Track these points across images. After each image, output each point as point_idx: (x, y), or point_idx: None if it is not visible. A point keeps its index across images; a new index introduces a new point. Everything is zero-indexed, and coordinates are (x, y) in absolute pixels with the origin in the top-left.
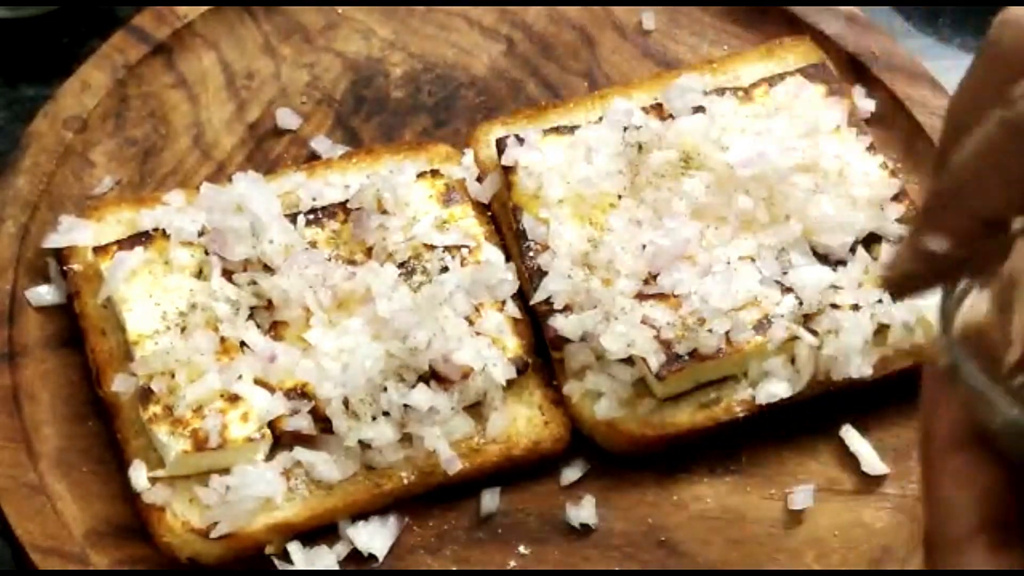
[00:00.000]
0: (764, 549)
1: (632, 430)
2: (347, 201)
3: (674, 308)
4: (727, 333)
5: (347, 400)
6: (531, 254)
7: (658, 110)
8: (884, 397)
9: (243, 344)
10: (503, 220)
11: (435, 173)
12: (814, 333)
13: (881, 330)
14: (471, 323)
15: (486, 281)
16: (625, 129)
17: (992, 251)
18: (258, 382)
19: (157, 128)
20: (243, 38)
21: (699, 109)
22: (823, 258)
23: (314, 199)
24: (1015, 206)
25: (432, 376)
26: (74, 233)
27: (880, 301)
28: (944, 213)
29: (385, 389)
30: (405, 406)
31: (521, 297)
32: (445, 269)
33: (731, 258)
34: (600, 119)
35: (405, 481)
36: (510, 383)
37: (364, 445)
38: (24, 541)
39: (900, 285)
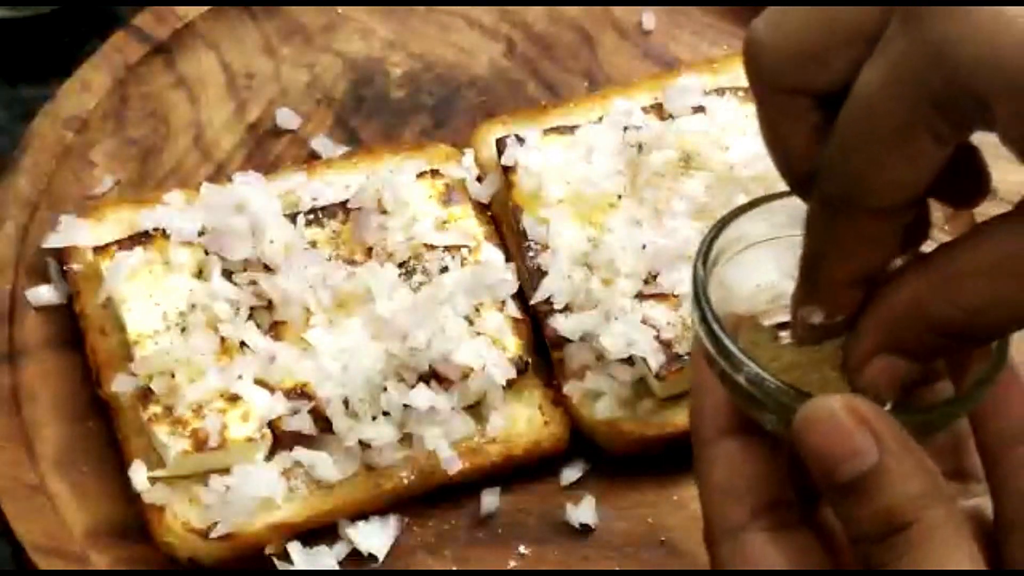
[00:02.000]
0: None
1: (632, 430)
2: (347, 201)
3: (674, 308)
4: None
5: (347, 400)
6: (531, 254)
7: (658, 110)
8: None
9: (243, 344)
10: (503, 220)
11: (435, 173)
12: None
13: None
14: (471, 323)
15: (486, 281)
16: (625, 129)
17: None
18: (258, 382)
19: (157, 128)
20: (243, 38)
21: (699, 109)
22: None
23: (314, 199)
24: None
25: (432, 376)
26: (74, 233)
27: None
28: (817, 287)
29: (385, 389)
30: (405, 406)
31: (521, 297)
32: (445, 269)
33: None
34: (600, 119)
35: (405, 481)
36: (510, 383)
37: (364, 445)
38: (24, 541)
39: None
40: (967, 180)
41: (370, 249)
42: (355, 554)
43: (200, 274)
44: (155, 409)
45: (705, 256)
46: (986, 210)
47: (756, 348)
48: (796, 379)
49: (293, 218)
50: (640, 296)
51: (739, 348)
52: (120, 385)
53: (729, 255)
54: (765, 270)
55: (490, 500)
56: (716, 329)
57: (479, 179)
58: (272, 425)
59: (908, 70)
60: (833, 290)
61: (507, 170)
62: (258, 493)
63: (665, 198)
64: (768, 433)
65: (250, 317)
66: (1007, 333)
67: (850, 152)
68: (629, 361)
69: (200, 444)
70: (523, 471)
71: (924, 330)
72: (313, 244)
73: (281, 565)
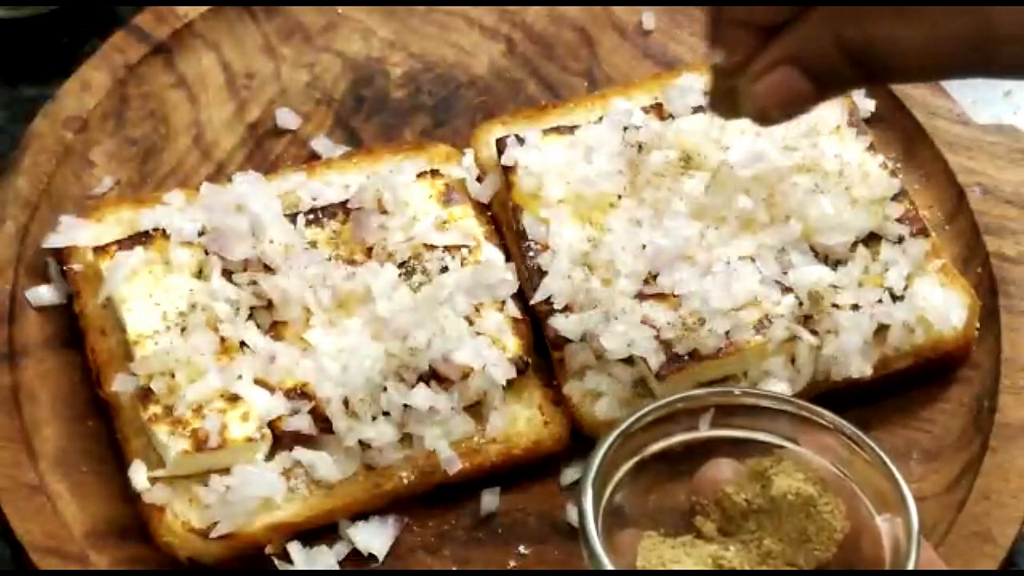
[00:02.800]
0: None
1: None
2: (347, 201)
3: (674, 308)
4: (727, 333)
5: (347, 400)
6: (531, 254)
7: (658, 110)
8: (884, 397)
9: (243, 344)
10: (503, 220)
11: (435, 173)
12: (814, 333)
13: (881, 330)
14: (471, 323)
15: (486, 281)
16: (625, 129)
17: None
18: (258, 382)
19: (157, 128)
20: (243, 38)
21: (699, 109)
22: (823, 258)
23: (314, 199)
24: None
25: (432, 376)
26: (74, 233)
27: (880, 301)
28: (718, 29)
29: (385, 389)
30: (405, 406)
31: (521, 297)
32: (445, 269)
33: (731, 258)
34: (600, 119)
35: (405, 481)
36: (510, 383)
37: (364, 445)
38: (24, 541)
39: (714, 107)
40: None
41: (370, 249)
42: (355, 554)
43: (200, 274)
44: (155, 409)
45: (595, 478)
46: (988, 209)
47: (657, 560)
48: None
49: (293, 218)
50: (640, 296)
51: None
52: (120, 385)
53: (628, 462)
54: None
55: (490, 500)
56: (605, 565)
57: (479, 179)
58: (272, 425)
59: None
60: (729, 30)
61: (507, 170)
62: (258, 493)
63: (665, 198)
64: None
65: (250, 317)
66: (904, 77)
67: None
68: (629, 361)
69: (200, 444)
70: (523, 471)
71: (828, 44)
72: (313, 244)
73: (281, 565)
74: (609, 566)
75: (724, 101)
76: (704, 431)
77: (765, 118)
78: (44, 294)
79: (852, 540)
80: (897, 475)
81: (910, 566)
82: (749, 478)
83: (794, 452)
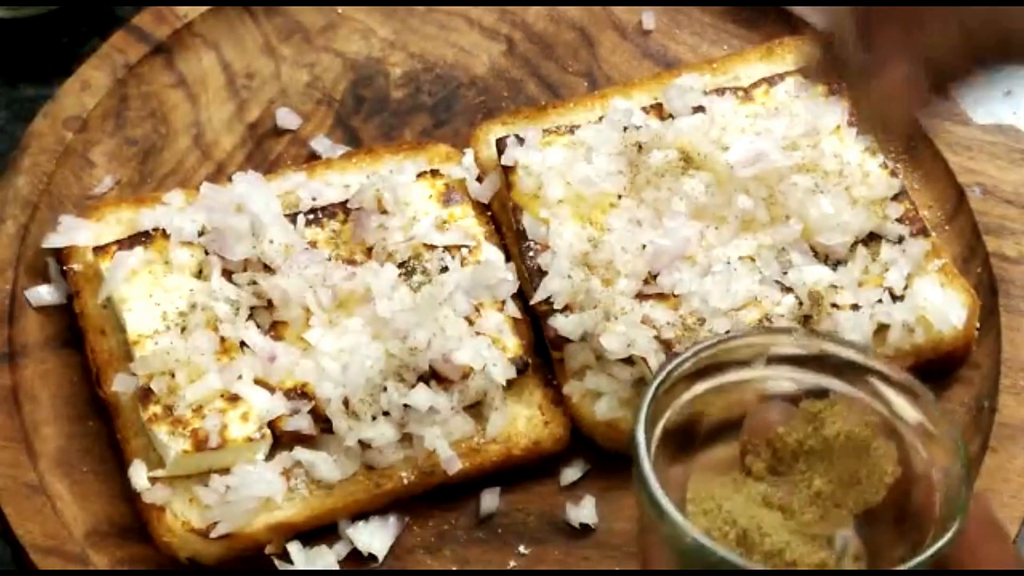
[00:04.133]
0: None
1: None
2: (347, 201)
3: (674, 308)
4: (727, 333)
5: (347, 400)
6: (531, 254)
7: (658, 110)
8: None
9: (243, 344)
10: (503, 220)
11: (435, 173)
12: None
13: (881, 330)
14: (471, 323)
15: (486, 281)
16: (625, 129)
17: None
18: (258, 382)
19: (157, 128)
20: (243, 38)
21: (699, 109)
22: (823, 258)
23: (314, 199)
24: None
25: (432, 376)
26: (74, 233)
27: (880, 301)
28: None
29: (385, 389)
30: (405, 406)
31: (521, 297)
32: (445, 269)
33: (731, 258)
34: (600, 119)
35: (405, 481)
36: (510, 383)
37: (364, 445)
38: (24, 541)
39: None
40: None
41: (370, 249)
42: (355, 554)
43: (200, 274)
44: (155, 409)
45: (648, 412)
46: (988, 209)
47: (710, 503)
48: (752, 540)
49: (293, 218)
50: (640, 296)
51: (687, 517)
52: (120, 385)
53: (680, 397)
54: (720, 406)
55: (490, 500)
56: (661, 501)
57: (479, 179)
58: (272, 425)
59: None
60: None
61: (507, 170)
62: (258, 493)
63: (665, 198)
64: None
65: (250, 317)
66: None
67: None
68: (629, 361)
69: (200, 444)
70: (523, 471)
71: (956, 37)
72: (313, 244)
73: (281, 565)
74: (662, 498)
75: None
76: (759, 370)
77: (886, 126)
78: (44, 294)
79: (903, 487)
80: (953, 428)
81: (956, 520)
82: (802, 420)
83: (848, 397)
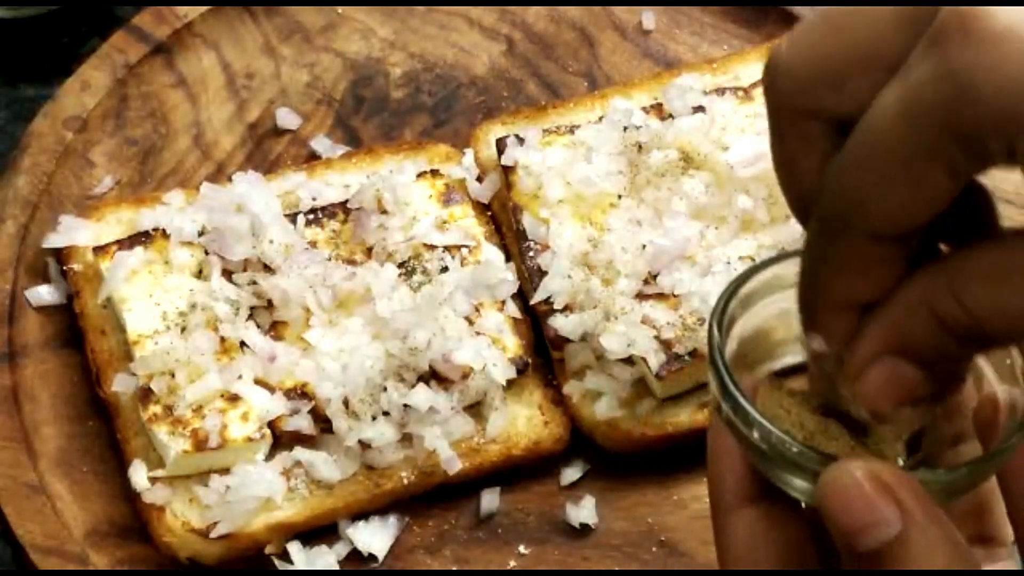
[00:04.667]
0: None
1: (632, 430)
2: (347, 201)
3: (674, 308)
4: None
5: (347, 400)
6: (531, 254)
7: (658, 110)
8: None
9: (243, 344)
10: (503, 220)
11: (435, 173)
12: None
13: None
14: (471, 323)
15: (486, 281)
16: (625, 129)
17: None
18: (258, 382)
19: (157, 128)
20: (243, 38)
21: (699, 109)
22: None
23: (314, 199)
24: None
25: (432, 376)
26: (74, 233)
27: None
28: (814, 313)
29: (385, 389)
30: (405, 406)
31: (521, 297)
32: (445, 269)
33: (731, 258)
34: (600, 119)
35: (405, 481)
36: (510, 383)
37: (364, 445)
38: (24, 541)
39: (818, 394)
40: (972, 219)
41: (370, 249)
42: (355, 554)
43: (200, 274)
44: (155, 409)
45: (721, 316)
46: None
47: (778, 410)
48: (820, 444)
49: (293, 218)
50: (640, 296)
51: (759, 411)
52: (120, 385)
53: (750, 310)
54: (788, 324)
55: (490, 500)
56: (735, 392)
57: (479, 179)
58: (272, 425)
59: (929, 97)
60: (829, 315)
61: (507, 170)
62: (258, 493)
63: (665, 198)
64: (789, 498)
65: (250, 317)
66: (1012, 340)
67: (857, 172)
68: (629, 361)
69: (200, 444)
70: (523, 471)
71: (928, 326)
72: (313, 244)
73: (281, 565)
74: (742, 400)
75: (825, 387)
76: None
77: (879, 416)
78: (44, 294)
79: (966, 406)
80: (1016, 352)
81: (1014, 442)
82: None
83: None
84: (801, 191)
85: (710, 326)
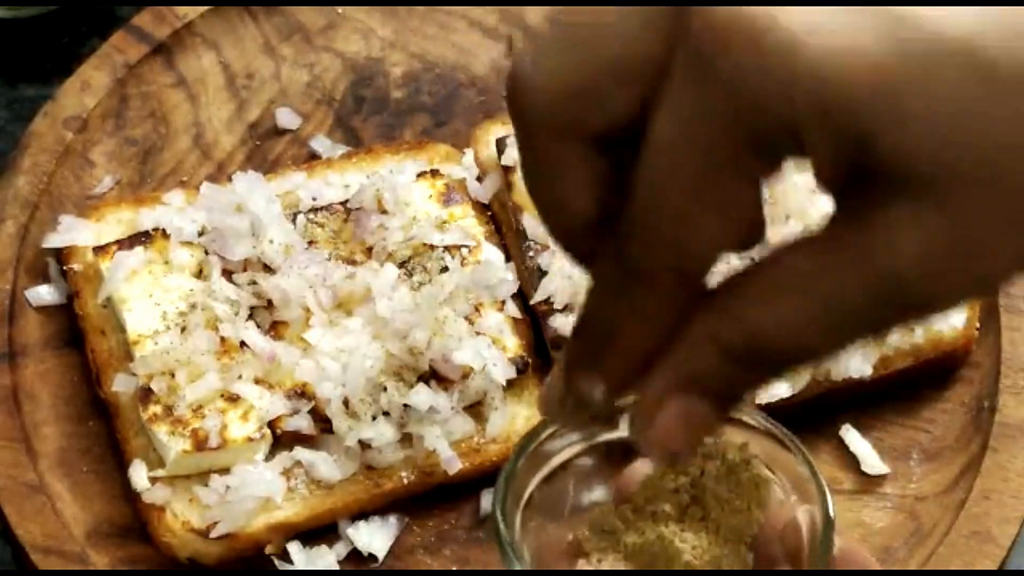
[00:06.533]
0: None
1: None
2: (347, 201)
3: None
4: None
5: (347, 400)
6: (531, 254)
7: None
8: (884, 397)
9: (243, 344)
10: (503, 220)
11: (435, 173)
12: None
13: None
14: (471, 323)
15: (486, 281)
16: None
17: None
18: (258, 382)
19: (157, 128)
20: (243, 38)
21: None
22: None
23: (314, 199)
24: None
25: (432, 376)
26: (74, 233)
27: None
28: (597, 353)
29: (385, 389)
30: (405, 406)
31: (521, 297)
32: (445, 269)
33: (731, 258)
34: None
35: (405, 481)
36: (510, 383)
37: (364, 445)
38: (24, 541)
39: (553, 418)
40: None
41: (370, 249)
42: (355, 554)
43: (200, 274)
44: (155, 409)
45: (503, 506)
46: None
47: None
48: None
49: (293, 218)
50: None
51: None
52: (120, 385)
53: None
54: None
55: (490, 500)
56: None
57: (479, 179)
58: (272, 425)
59: (706, 113)
60: (625, 364)
61: (507, 170)
62: (258, 493)
63: None
64: None
65: (250, 317)
66: (797, 361)
67: (657, 215)
68: None
69: (200, 444)
70: None
71: (714, 358)
72: (313, 244)
73: (281, 565)
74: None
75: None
76: (624, 432)
77: (674, 459)
78: (44, 294)
79: (772, 532)
80: (815, 467)
81: (820, 564)
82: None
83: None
84: (570, 226)
85: (494, 518)
